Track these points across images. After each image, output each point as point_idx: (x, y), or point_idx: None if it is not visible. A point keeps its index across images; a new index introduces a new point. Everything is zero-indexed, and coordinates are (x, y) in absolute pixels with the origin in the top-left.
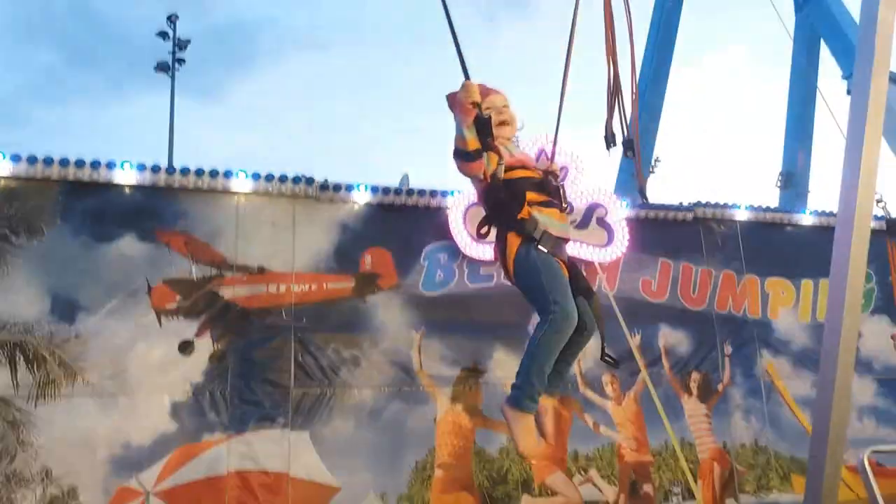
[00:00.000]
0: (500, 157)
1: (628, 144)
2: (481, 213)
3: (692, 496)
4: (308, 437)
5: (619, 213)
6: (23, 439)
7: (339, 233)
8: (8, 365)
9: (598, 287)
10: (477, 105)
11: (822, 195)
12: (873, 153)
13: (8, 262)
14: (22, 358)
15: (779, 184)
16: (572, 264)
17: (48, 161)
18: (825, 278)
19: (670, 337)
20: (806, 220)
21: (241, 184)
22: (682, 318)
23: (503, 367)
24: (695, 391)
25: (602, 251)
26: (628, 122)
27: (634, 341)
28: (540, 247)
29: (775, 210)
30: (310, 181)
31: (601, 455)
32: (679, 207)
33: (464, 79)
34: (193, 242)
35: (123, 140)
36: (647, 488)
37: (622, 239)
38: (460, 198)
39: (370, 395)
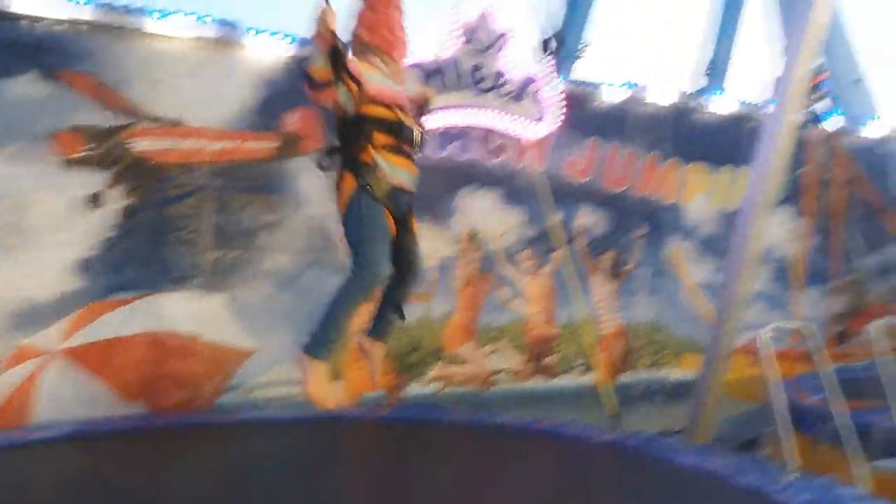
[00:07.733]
0: (359, 89)
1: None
2: (416, 75)
3: (592, 369)
4: (222, 300)
5: (555, 88)
6: None
7: (263, 87)
8: None
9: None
10: (333, 34)
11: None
12: (808, 59)
13: None
14: None
15: (708, 73)
16: (405, 213)
17: None
18: (742, 167)
19: (588, 217)
20: (731, 108)
21: (154, 24)
22: (601, 199)
23: (423, 238)
24: (605, 270)
25: (534, 127)
26: None
27: (554, 220)
28: (373, 195)
29: (701, 95)
30: (231, 25)
31: (511, 328)
32: (612, 87)
33: (324, 2)
34: (102, 87)
35: None
36: (550, 360)
37: (555, 116)
38: None
39: (288, 260)
